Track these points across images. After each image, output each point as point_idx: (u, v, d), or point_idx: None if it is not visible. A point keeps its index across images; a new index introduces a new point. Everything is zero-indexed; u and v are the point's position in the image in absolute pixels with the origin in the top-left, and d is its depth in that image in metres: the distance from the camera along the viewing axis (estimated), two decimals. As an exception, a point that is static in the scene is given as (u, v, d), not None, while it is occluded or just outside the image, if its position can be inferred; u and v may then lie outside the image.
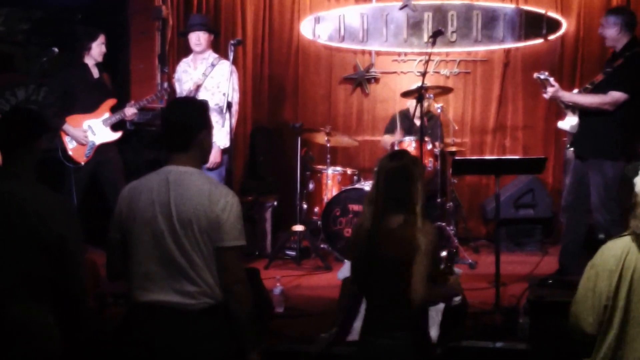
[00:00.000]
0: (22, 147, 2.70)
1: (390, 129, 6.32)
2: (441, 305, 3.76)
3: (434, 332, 3.60)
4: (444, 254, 5.41)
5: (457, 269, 4.13)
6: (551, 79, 4.72)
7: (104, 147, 5.47)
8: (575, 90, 5.00)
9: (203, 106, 2.83)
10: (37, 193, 2.66)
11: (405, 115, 6.29)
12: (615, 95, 4.56)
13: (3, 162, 2.73)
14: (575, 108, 4.85)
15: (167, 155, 2.66)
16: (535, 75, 4.79)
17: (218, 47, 6.20)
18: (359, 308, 2.94)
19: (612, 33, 4.68)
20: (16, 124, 2.74)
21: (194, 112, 2.69)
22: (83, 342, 2.82)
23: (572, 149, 4.96)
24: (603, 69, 4.82)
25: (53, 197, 2.69)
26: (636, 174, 2.54)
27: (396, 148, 5.83)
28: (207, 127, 2.70)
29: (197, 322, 2.53)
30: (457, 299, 3.89)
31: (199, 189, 2.56)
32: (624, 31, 4.65)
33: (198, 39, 5.44)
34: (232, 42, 5.29)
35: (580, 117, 4.80)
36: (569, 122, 4.93)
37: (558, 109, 5.11)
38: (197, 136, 2.63)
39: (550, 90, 4.71)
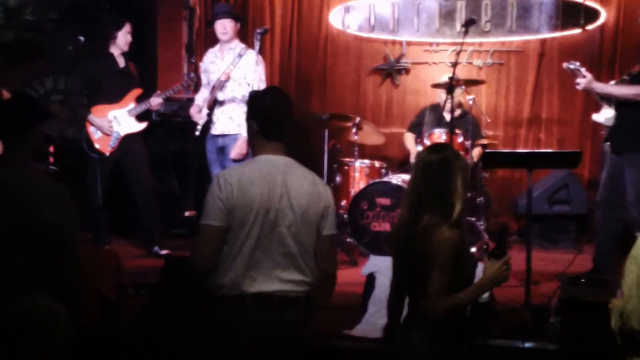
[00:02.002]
0: (19, 135, 2.67)
1: (415, 126, 6.18)
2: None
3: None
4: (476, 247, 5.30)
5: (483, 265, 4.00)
6: (582, 69, 4.56)
7: (129, 138, 5.43)
8: (612, 82, 4.82)
9: (290, 97, 2.91)
10: (32, 181, 2.63)
11: (435, 109, 6.15)
12: None
13: (3, 149, 2.69)
14: (611, 100, 4.67)
15: (256, 142, 2.69)
16: (565, 64, 4.66)
17: (246, 37, 6.14)
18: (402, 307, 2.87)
19: None
20: (12, 111, 2.71)
21: (290, 102, 2.79)
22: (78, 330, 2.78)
23: (608, 143, 4.79)
24: None
25: (48, 185, 2.66)
26: None
27: (426, 142, 5.70)
28: None
29: (303, 308, 2.60)
30: (485, 296, 3.77)
31: (311, 179, 2.66)
32: None
33: (224, 27, 5.38)
34: (258, 31, 5.23)
35: (617, 110, 4.63)
36: (604, 115, 4.75)
37: (596, 101, 4.93)
38: (292, 126, 2.74)
39: (582, 81, 4.56)
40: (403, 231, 2.70)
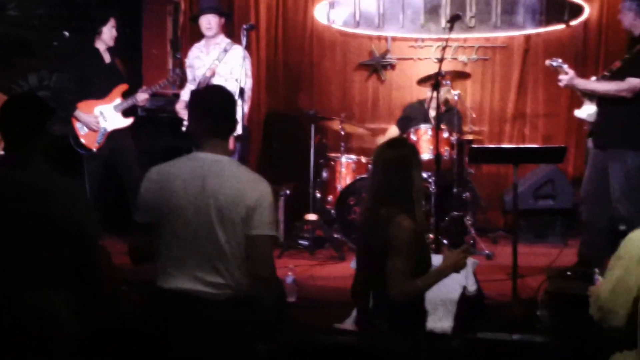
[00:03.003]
0: (32, 133, 2.66)
1: (402, 120, 6.23)
2: (456, 296, 3.70)
3: (448, 324, 3.56)
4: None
5: (474, 260, 4.05)
6: (565, 66, 4.62)
7: (116, 134, 5.41)
8: (593, 78, 4.87)
9: (234, 95, 2.83)
10: (53, 179, 2.64)
11: (422, 105, 6.19)
12: (633, 82, 4.44)
13: (13, 150, 2.69)
14: (593, 96, 4.72)
15: (196, 140, 2.63)
16: (548, 62, 4.72)
17: (231, 32, 6.12)
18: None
19: (629, 19, 4.60)
20: (23, 110, 2.71)
21: (233, 100, 2.71)
22: (103, 327, 2.80)
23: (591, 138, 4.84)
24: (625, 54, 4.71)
25: (68, 182, 2.68)
26: None
27: (412, 137, 5.72)
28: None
29: (220, 312, 2.51)
30: (473, 289, 3.82)
31: (236, 179, 2.55)
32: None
33: (209, 22, 5.38)
34: (245, 26, 5.22)
35: (599, 106, 4.68)
36: (586, 111, 4.80)
37: (579, 97, 4.98)
38: (235, 124, 2.67)
39: (564, 77, 4.61)
40: (365, 224, 2.81)
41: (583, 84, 4.71)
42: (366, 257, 2.85)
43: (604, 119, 4.65)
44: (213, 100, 2.68)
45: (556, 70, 4.69)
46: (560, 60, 4.68)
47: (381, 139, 6.24)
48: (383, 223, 2.71)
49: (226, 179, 2.54)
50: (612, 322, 2.50)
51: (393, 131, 6.30)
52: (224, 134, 2.64)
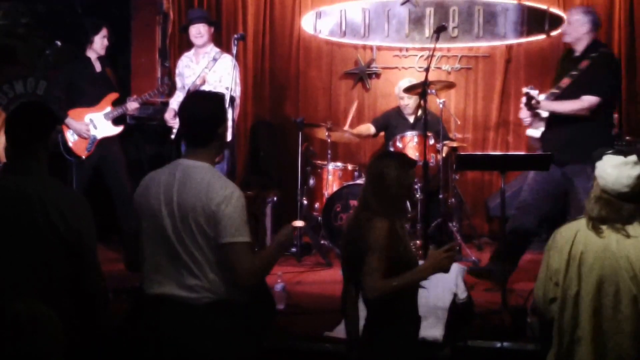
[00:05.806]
0: (38, 142, 2.68)
1: (378, 122, 6.33)
2: (447, 304, 3.74)
3: (439, 332, 3.60)
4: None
5: (462, 267, 4.10)
6: (535, 92, 4.56)
7: (106, 142, 5.42)
8: (542, 96, 4.69)
9: (222, 100, 2.81)
10: (54, 188, 2.65)
11: (398, 112, 6.27)
12: (590, 100, 4.42)
13: (17, 158, 2.69)
14: (542, 115, 4.66)
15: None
16: (525, 90, 4.63)
17: (219, 42, 6.16)
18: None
19: (578, 32, 4.53)
20: (32, 119, 2.72)
21: (215, 106, 2.67)
22: (100, 335, 2.81)
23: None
24: (560, 68, 4.71)
25: (69, 192, 2.74)
26: (600, 159, 2.60)
27: (398, 144, 5.80)
28: (226, 121, 2.70)
29: (201, 317, 2.53)
30: (463, 297, 3.86)
31: (198, 183, 2.54)
32: (592, 31, 4.53)
33: (199, 31, 5.42)
34: (235, 36, 5.29)
35: (553, 123, 4.62)
36: (540, 130, 4.76)
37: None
38: (217, 131, 2.62)
39: (535, 104, 4.53)
40: (349, 227, 2.90)
41: (546, 105, 4.60)
42: (349, 265, 2.90)
43: (562, 137, 4.57)
44: (188, 108, 2.68)
45: (527, 97, 4.57)
46: (537, 92, 4.61)
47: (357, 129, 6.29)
48: (360, 225, 2.79)
49: (189, 183, 2.55)
50: (550, 313, 2.69)
51: (364, 127, 6.35)
52: (201, 142, 2.62)
